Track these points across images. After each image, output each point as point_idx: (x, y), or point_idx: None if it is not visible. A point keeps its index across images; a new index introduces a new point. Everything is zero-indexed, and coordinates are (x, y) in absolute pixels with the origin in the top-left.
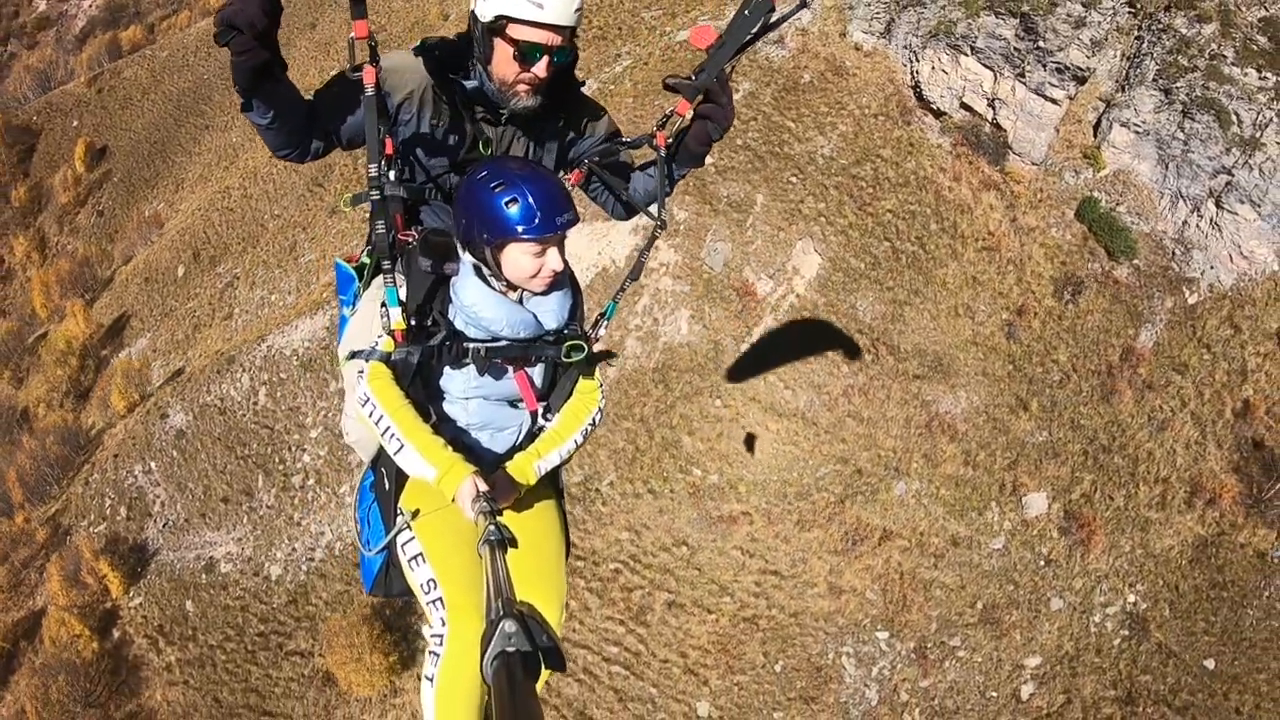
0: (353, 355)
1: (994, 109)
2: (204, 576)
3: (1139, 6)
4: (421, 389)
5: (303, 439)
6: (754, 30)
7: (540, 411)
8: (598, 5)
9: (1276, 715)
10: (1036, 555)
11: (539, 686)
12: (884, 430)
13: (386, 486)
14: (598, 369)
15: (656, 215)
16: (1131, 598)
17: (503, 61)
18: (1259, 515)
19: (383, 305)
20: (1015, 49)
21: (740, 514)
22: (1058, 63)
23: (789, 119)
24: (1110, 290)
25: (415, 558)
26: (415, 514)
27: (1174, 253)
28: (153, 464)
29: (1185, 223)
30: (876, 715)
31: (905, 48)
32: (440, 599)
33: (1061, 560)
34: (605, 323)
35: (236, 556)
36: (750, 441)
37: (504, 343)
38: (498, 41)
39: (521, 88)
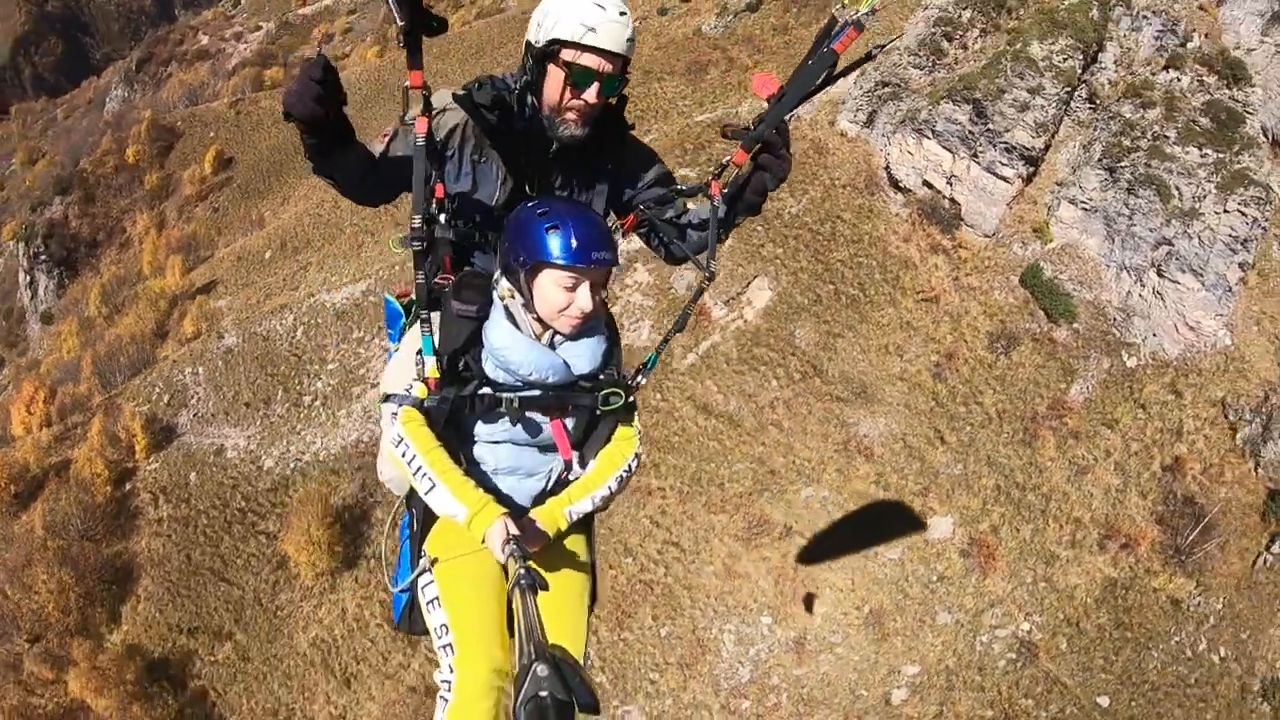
0: (386, 399)
1: (951, 185)
2: (212, 458)
3: (1098, 101)
4: (454, 434)
5: (320, 370)
6: (818, 81)
7: (575, 460)
8: (643, 93)
9: None
10: (931, 570)
11: None
12: (802, 441)
13: (415, 528)
14: (635, 416)
15: (706, 265)
16: (1026, 626)
17: (553, 87)
18: (1178, 564)
19: (418, 353)
20: (970, 131)
21: (656, 489)
22: (1005, 143)
23: None
24: (1046, 348)
25: (433, 601)
26: (435, 560)
27: (1115, 319)
28: (200, 369)
29: (1129, 292)
30: (745, 692)
31: (882, 135)
32: (450, 645)
33: (956, 580)
34: (647, 373)
35: (242, 448)
36: (680, 431)
37: (537, 392)
38: (550, 67)
39: (570, 115)
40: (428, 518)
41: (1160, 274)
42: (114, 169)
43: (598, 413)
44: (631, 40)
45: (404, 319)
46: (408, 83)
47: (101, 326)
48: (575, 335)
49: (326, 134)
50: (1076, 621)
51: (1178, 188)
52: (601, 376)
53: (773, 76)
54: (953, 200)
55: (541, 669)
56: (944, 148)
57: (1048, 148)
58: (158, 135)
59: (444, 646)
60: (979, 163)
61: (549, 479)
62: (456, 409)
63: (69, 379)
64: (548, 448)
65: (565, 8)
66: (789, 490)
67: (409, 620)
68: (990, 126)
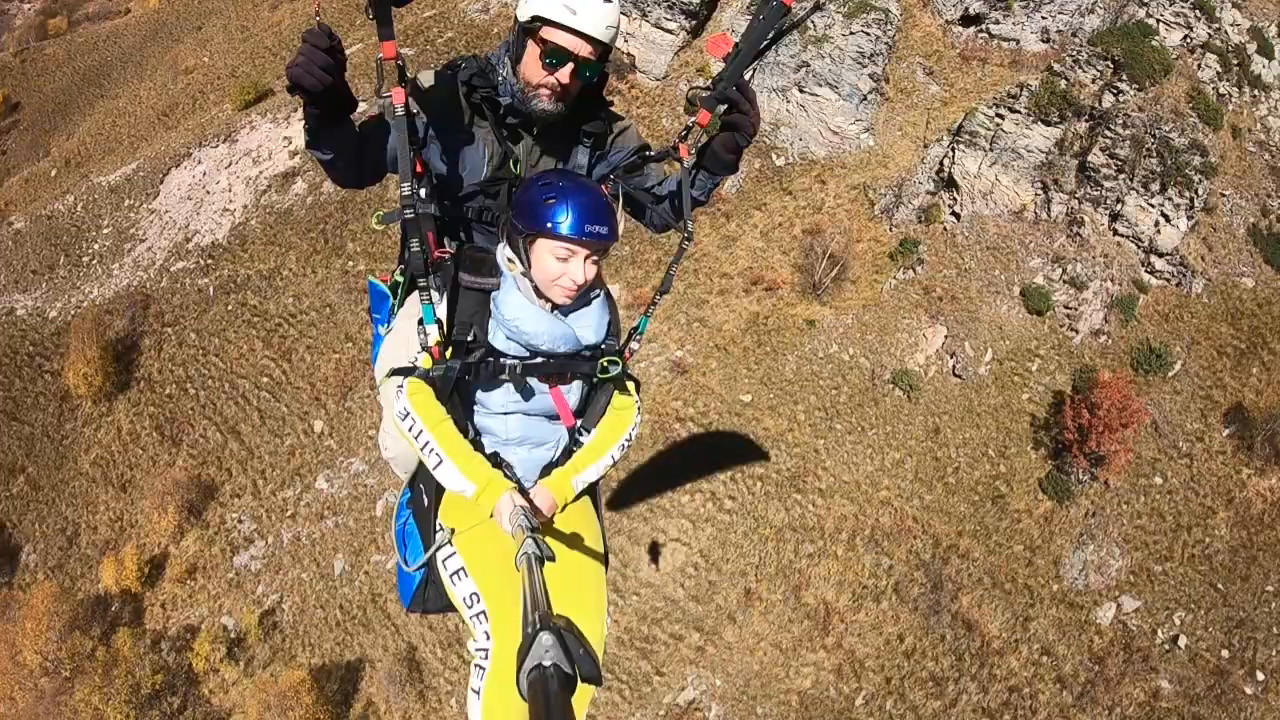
0: (392, 373)
1: (626, 41)
2: (4, 317)
3: None
4: (459, 404)
5: (97, 234)
6: (770, 35)
7: (577, 427)
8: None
9: (810, 431)
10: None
11: (579, 700)
12: None
13: (425, 503)
14: (632, 385)
15: (684, 227)
16: (679, 353)
17: (531, 63)
18: (815, 297)
19: (420, 322)
20: None
21: None
22: (669, 1)
23: None
24: None
25: (457, 572)
26: (454, 531)
27: (764, 130)
28: None
29: (777, 109)
30: None
31: None
32: (484, 612)
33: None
34: (638, 338)
35: (30, 307)
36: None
37: (540, 360)
38: (530, 43)
39: (544, 92)
40: (439, 491)
41: (801, 90)
42: None
43: (595, 380)
44: (613, 27)
45: (391, 300)
46: (380, 55)
47: None
48: (574, 306)
49: (330, 105)
50: (725, 347)
51: (812, 20)
52: (603, 346)
53: (726, 36)
54: (629, 54)
55: (546, 638)
56: (620, 11)
57: (706, 3)
58: None
59: (476, 615)
60: (649, 20)
61: (557, 449)
62: (461, 377)
63: None
64: (554, 418)
65: None
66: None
67: (423, 600)
68: None
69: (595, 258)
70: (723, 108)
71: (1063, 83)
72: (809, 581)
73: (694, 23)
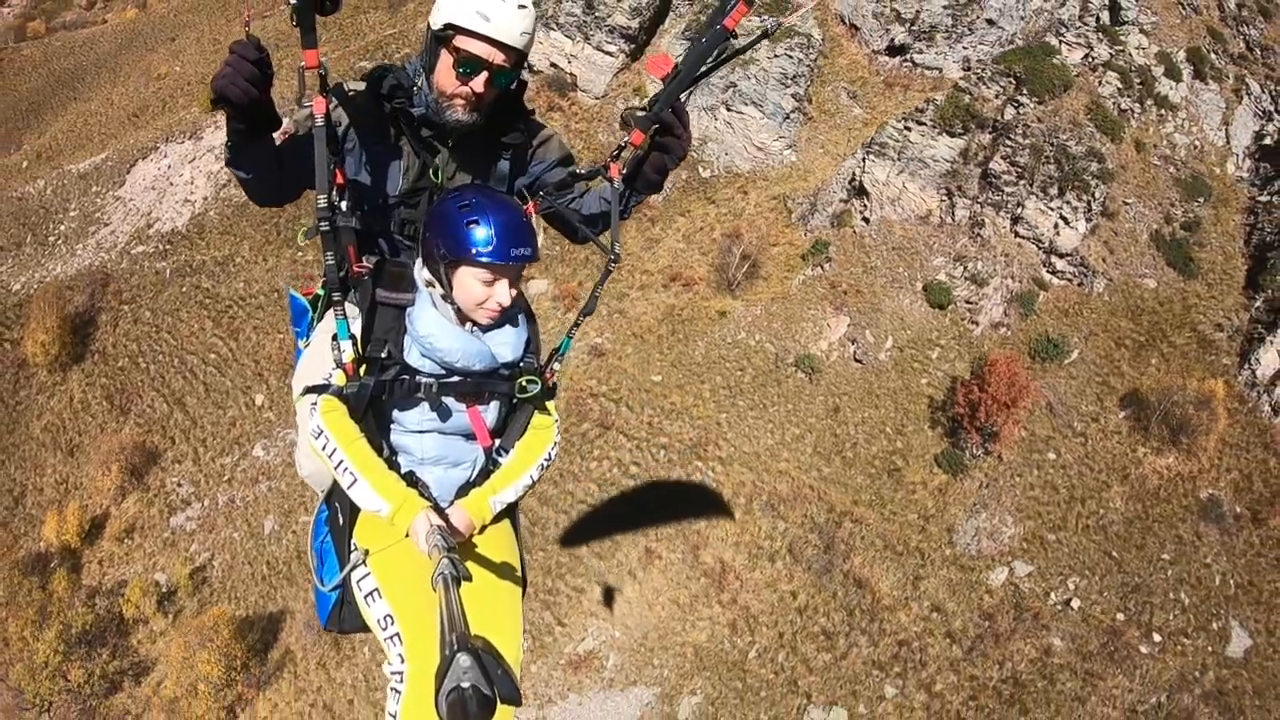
0: (306, 390)
1: (570, 63)
2: None
3: None
4: (374, 422)
5: (64, 217)
6: (710, 61)
7: (494, 448)
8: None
9: (714, 406)
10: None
11: None
12: None
13: (340, 521)
14: (552, 404)
15: (610, 249)
16: (598, 339)
17: (444, 72)
18: (728, 292)
19: (334, 338)
20: (584, 20)
21: None
22: (609, 25)
23: None
24: None
25: (371, 593)
26: (368, 552)
27: (693, 146)
28: None
29: (706, 126)
30: None
31: None
32: (398, 634)
33: (543, 316)
34: (560, 358)
35: None
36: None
37: (456, 378)
38: (443, 52)
39: (459, 102)
40: (354, 510)
41: (728, 108)
42: None
43: (514, 400)
44: (528, 34)
45: (311, 314)
46: (302, 63)
47: None
48: (495, 324)
49: (255, 119)
50: (641, 335)
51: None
52: (521, 364)
53: (667, 56)
54: (572, 74)
55: (464, 659)
56: (565, 35)
57: (645, 29)
58: None
59: (390, 638)
60: (590, 43)
61: (474, 469)
62: (376, 395)
63: None
64: (473, 437)
65: None
66: None
67: (339, 620)
68: (597, 14)
69: (517, 278)
70: (654, 128)
71: (966, 97)
72: (707, 542)
73: (633, 46)
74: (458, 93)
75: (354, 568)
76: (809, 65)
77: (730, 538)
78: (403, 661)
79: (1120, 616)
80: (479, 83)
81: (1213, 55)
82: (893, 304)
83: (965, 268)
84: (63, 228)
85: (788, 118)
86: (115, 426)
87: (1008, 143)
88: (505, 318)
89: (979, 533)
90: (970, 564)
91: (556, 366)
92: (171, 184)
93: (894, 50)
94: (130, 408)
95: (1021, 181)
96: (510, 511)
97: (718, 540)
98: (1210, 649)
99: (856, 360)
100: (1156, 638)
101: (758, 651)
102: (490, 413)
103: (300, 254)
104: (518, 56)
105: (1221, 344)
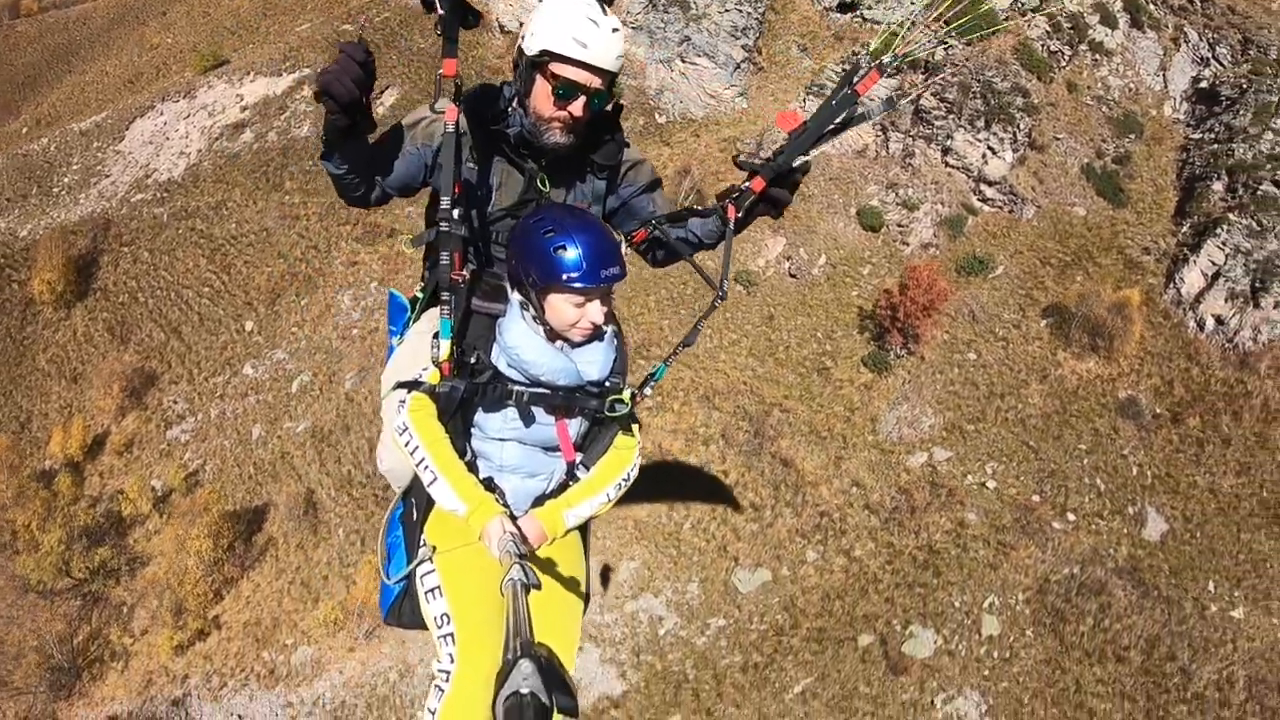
0: (397, 386)
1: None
2: None
3: None
4: (460, 425)
5: (67, 170)
6: (837, 121)
7: (576, 462)
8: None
9: (658, 314)
10: None
11: None
12: None
13: (414, 517)
14: (636, 426)
15: (719, 285)
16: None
17: (541, 97)
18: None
19: (435, 336)
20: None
21: (302, 214)
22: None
23: None
24: None
25: (433, 590)
26: (435, 549)
27: (652, 95)
28: None
29: (663, 78)
30: (355, 324)
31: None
32: (452, 634)
33: None
34: (653, 384)
35: (3, 228)
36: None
37: (547, 390)
38: (538, 77)
39: (556, 125)
40: (428, 508)
41: (683, 60)
42: None
43: (599, 418)
44: (621, 56)
45: (409, 314)
46: (440, 71)
47: None
48: (584, 342)
49: (354, 117)
50: None
51: (694, 1)
52: (608, 384)
53: (796, 113)
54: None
55: (526, 666)
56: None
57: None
58: None
59: (444, 636)
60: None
61: (550, 481)
62: (467, 397)
63: None
64: (552, 449)
65: (559, 19)
66: (394, 205)
67: (398, 614)
68: None
69: (608, 296)
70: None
71: (897, 40)
72: (647, 430)
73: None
74: (555, 116)
75: (420, 562)
76: (757, 18)
77: (668, 425)
78: (452, 661)
79: (1036, 498)
80: (577, 107)
81: (1151, 6)
82: (827, 226)
83: (897, 194)
84: (66, 179)
85: (738, 68)
86: (116, 354)
87: (938, 81)
88: (595, 334)
89: (900, 422)
90: (891, 448)
91: (648, 391)
92: (168, 139)
93: (845, 7)
94: (130, 338)
95: (950, 115)
96: (583, 528)
97: (657, 429)
98: (1126, 531)
99: (791, 275)
100: (1071, 517)
101: (691, 524)
102: (574, 427)
103: (288, 198)
104: (611, 79)
105: (1149, 265)
